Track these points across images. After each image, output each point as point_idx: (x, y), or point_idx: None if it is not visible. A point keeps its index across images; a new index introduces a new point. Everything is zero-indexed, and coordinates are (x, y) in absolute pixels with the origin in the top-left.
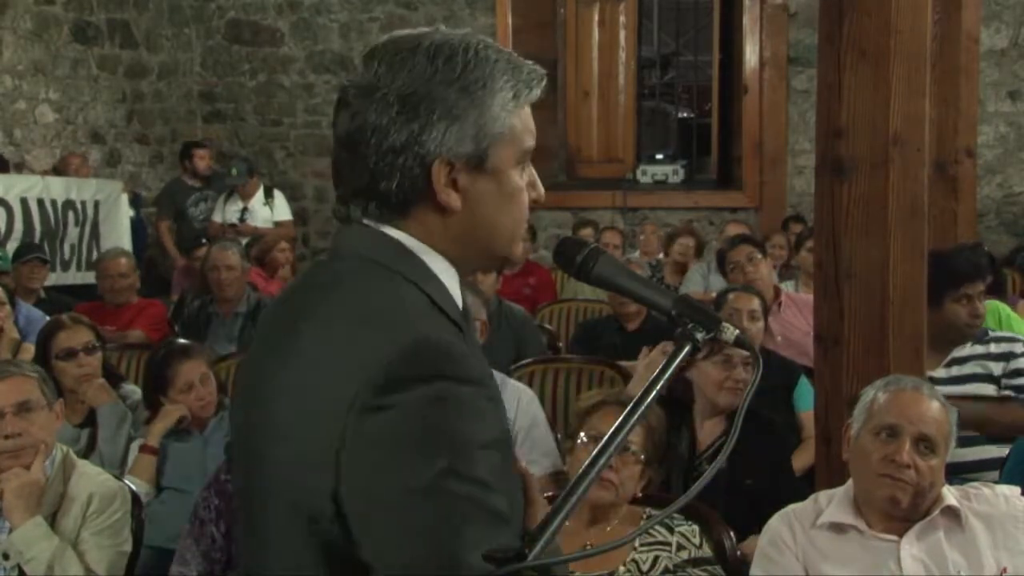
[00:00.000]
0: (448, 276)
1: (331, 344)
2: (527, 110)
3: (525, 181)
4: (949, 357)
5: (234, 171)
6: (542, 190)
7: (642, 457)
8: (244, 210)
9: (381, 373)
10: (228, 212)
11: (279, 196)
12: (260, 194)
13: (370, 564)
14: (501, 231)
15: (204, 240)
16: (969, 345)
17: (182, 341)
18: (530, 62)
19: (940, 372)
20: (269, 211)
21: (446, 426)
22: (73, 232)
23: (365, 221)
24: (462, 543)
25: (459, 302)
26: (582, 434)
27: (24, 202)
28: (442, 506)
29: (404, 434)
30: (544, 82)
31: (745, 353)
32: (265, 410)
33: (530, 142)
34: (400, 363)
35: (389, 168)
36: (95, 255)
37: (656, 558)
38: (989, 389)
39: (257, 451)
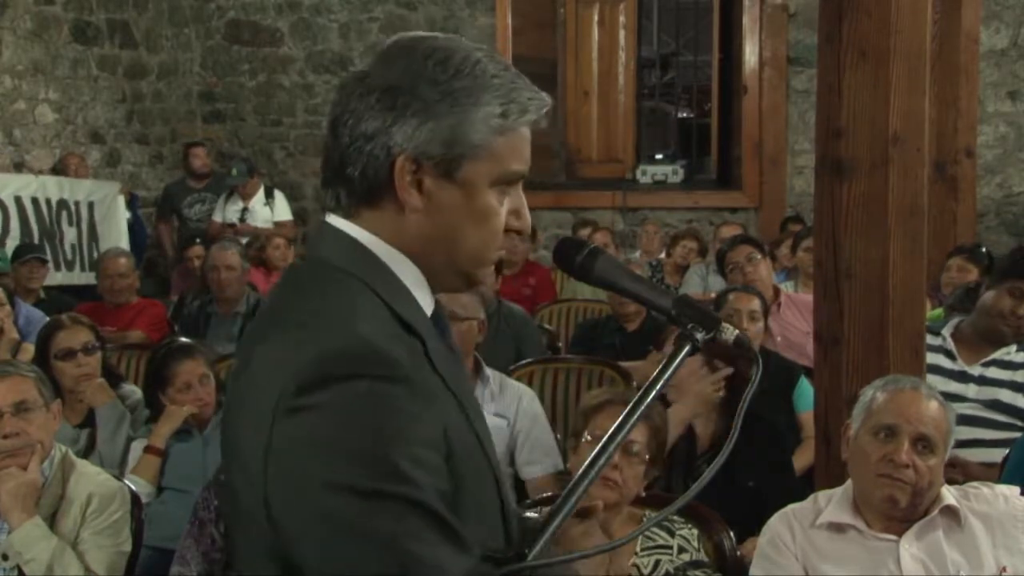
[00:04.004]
0: (416, 283)
1: (273, 351)
2: (521, 136)
3: (507, 207)
4: (990, 357)
5: (234, 171)
6: (528, 221)
7: (646, 457)
8: (244, 210)
9: (302, 374)
10: (228, 212)
11: (279, 196)
12: (260, 194)
13: (300, 564)
14: (463, 246)
15: (198, 240)
16: (1015, 350)
17: (184, 340)
18: (537, 91)
19: (976, 369)
20: (269, 211)
21: (368, 423)
22: (69, 232)
23: (332, 219)
24: (388, 539)
25: (427, 310)
26: (586, 433)
27: (19, 201)
28: (362, 503)
29: (324, 434)
30: (544, 111)
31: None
32: (226, 418)
33: (516, 167)
34: (325, 363)
35: (357, 153)
36: (95, 255)
37: (657, 562)
38: (1020, 399)
39: (223, 456)
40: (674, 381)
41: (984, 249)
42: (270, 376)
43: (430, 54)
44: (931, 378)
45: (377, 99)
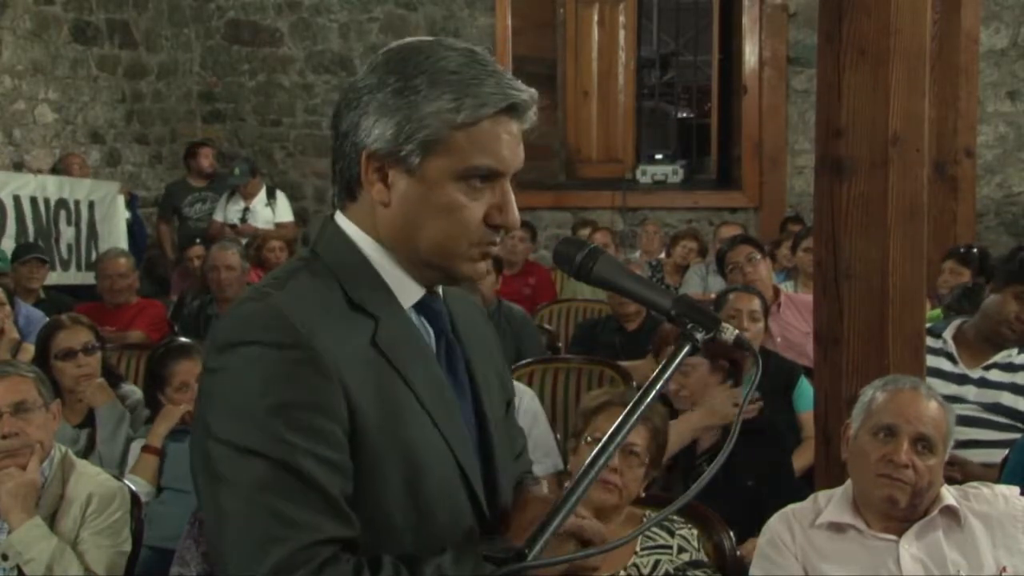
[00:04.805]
0: (395, 272)
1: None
2: (488, 132)
3: (486, 202)
4: (991, 360)
5: (236, 171)
6: (513, 217)
7: (646, 460)
8: (246, 210)
9: (218, 338)
10: (230, 212)
11: (281, 197)
12: (262, 195)
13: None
14: (428, 238)
15: (198, 240)
16: (1016, 352)
17: (183, 340)
18: (508, 87)
19: (976, 372)
20: (271, 212)
21: (252, 385)
22: (67, 232)
23: (335, 213)
24: (251, 491)
25: (408, 299)
26: (587, 435)
27: (17, 200)
28: (237, 457)
29: (218, 391)
30: (504, 104)
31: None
32: None
33: (482, 161)
34: (231, 329)
35: (339, 152)
36: (93, 255)
37: (657, 562)
38: (1021, 403)
39: None
40: (691, 389)
41: (975, 250)
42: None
43: (398, 55)
44: (932, 381)
45: (349, 100)
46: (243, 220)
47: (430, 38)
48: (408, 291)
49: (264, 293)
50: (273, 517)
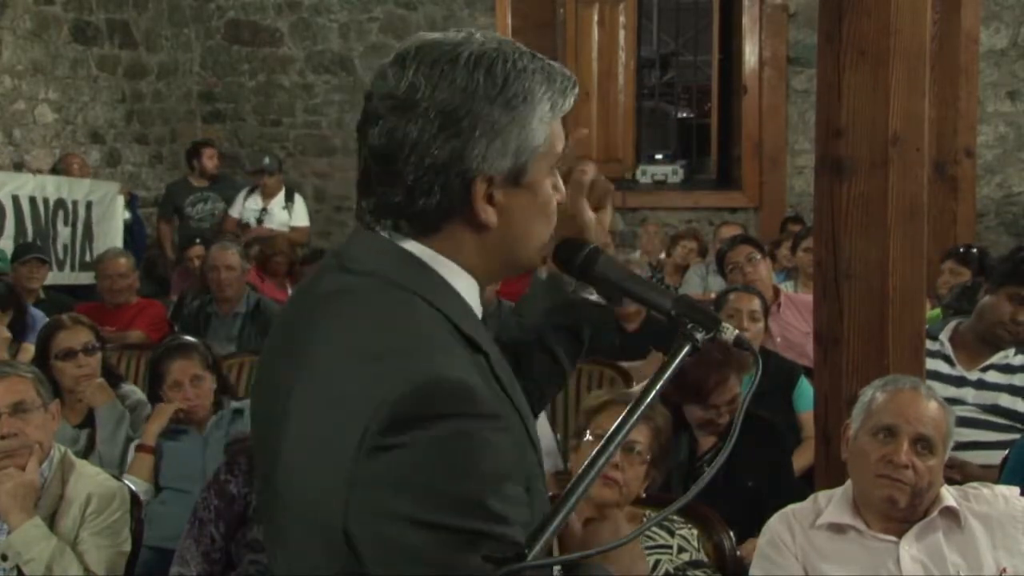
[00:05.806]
0: (469, 290)
1: (348, 375)
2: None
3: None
4: (988, 362)
5: (267, 159)
6: (564, 190)
7: (648, 457)
8: (263, 211)
9: (390, 412)
10: (247, 210)
11: (299, 201)
12: (281, 196)
13: None
14: (532, 242)
15: (198, 240)
16: (1013, 354)
17: (185, 339)
18: (558, 66)
19: (974, 374)
20: (287, 215)
21: (454, 463)
22: (64, 232)
23: (379, 231)
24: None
25: (479, 312)
26: (588, 433)
27: (16, 200)
28: (454, 542)
29: (413, 474)
30: (576, 88)
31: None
32: (282, 426)
33: (561, 146)
34: (409, 402)
35: (429, 186)
36: (88, 256)
37: (657, 562)
38: (1020, 403)
39: (274, 461)
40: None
41: (974, 250)
42: (347, 408)
43: (474, 65)
44: (930, 384)
45: (440, 127)
46: (259, 220)
47: (462, 35)
48: (480, 308)
49: (409, 352)
50: None
